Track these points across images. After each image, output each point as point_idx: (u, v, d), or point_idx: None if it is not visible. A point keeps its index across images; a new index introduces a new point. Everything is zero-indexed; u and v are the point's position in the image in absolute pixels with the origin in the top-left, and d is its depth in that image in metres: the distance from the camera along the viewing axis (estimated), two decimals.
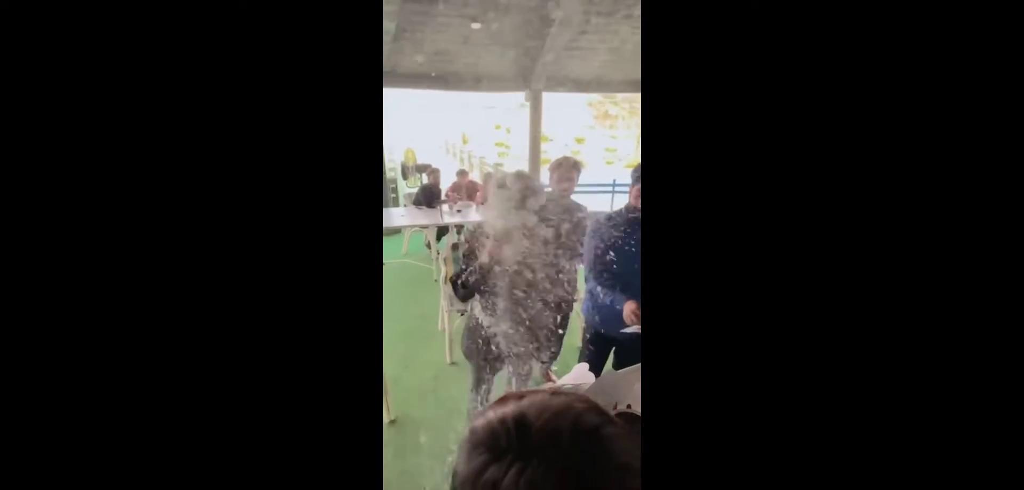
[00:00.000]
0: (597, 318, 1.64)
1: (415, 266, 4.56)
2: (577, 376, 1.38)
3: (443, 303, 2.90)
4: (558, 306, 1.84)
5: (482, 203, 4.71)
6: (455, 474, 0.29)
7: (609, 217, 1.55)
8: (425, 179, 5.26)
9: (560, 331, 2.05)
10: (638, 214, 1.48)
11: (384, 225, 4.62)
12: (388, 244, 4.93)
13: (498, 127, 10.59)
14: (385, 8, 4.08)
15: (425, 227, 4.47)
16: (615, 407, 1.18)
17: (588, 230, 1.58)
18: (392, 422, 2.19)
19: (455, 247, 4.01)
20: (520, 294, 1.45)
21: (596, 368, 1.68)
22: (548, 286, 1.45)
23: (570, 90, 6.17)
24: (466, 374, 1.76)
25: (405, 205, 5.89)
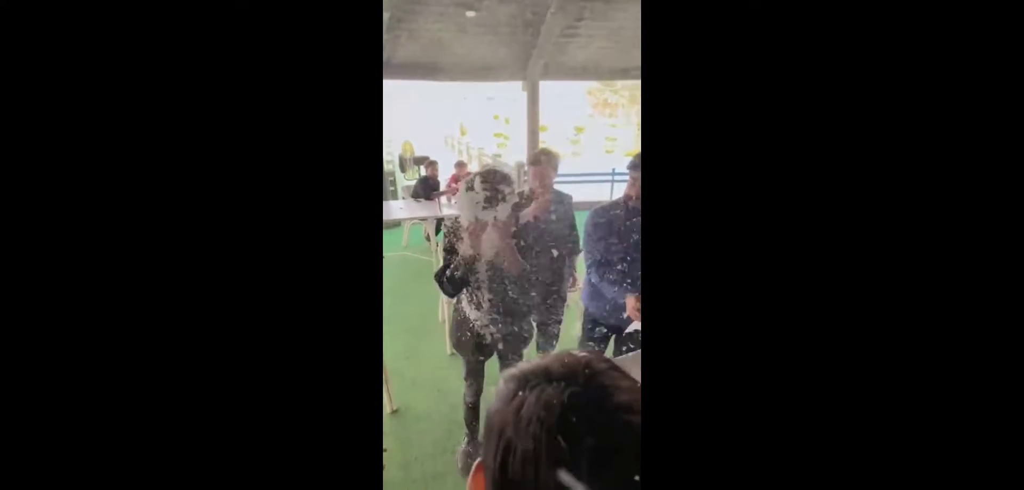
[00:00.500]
0: (595, 307, 1.65)
1: (415, 259, 4.56)
2: None
3: (443, 295, 2.91)
4: (546, 297, 1.84)
5: None
6: (489, 412, 0.34)
7: (607, 207, 1.55)
8: (423, 171, 5.23)
9: (553, 321, 2.06)
10: (637, 203, 1.48)
11: (384, 218, 4.63)
12: (388, 237, 4.92)
13: (496, 118, 10.52)
14: None
15: (424, 220, 4.47)
16: None
17: (587, 219, 1.58)
18: (394, 412, 2.20)
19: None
20: (503, 287, 1.46)
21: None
22: (533, 278, 1.47)
23: (568, 78, 6.12)
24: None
25: (403, 197, 5.87)
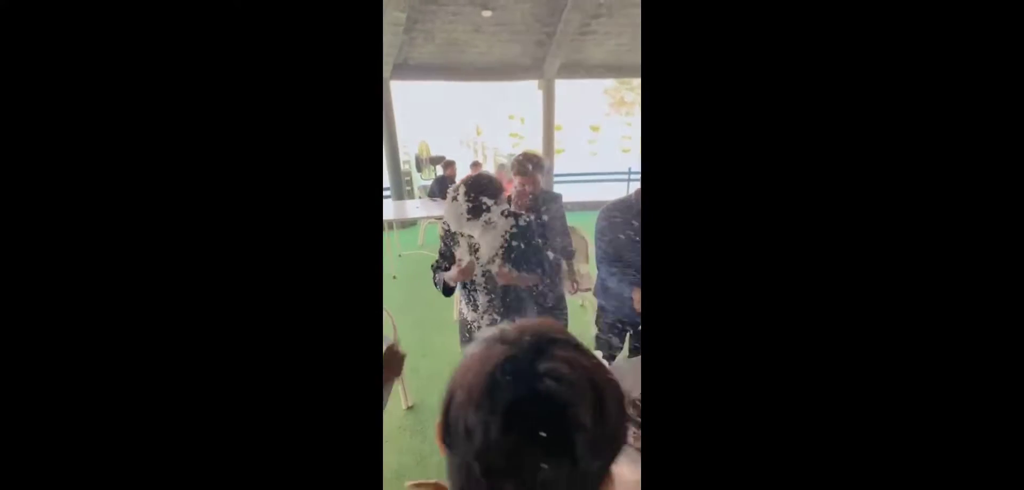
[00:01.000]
0: (608, 302, 1.65)
1: (431, 257, 4.59)
2: None
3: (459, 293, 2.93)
4: (544, 302, 1.83)
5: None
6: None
7: (617, 203, 1.55)
8: (440, 171, 5.28)
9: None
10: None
11: (399, 217, 4.69)
12: (404, 236, 4.99)
13: (512, 117, 10.51)
14: None
15: (440, 219, 4.51)
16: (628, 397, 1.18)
17: (597, 218, 1.58)
18: (410, 408, 2.23)
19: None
20: (497, 290, 1.47)
21: (612, 351, 1.69)
22: (527, 279, 1.46)
23: (584, 76, 6.06)
24: None
25: (420, 197, 5.93)
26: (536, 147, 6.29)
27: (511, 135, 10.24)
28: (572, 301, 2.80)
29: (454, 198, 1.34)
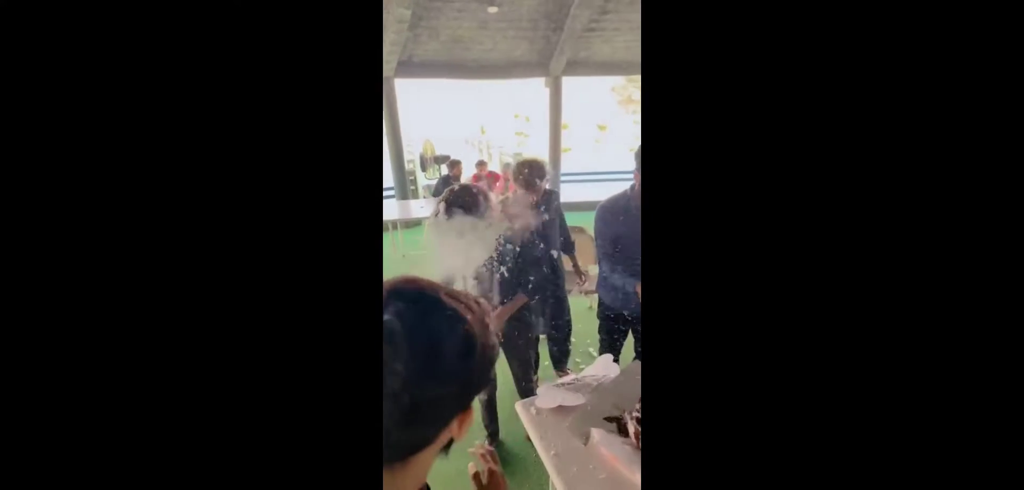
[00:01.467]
0: (609, 297, 1.67)
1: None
2: (601, 367, 1.38)
3: None
4: (543, 306, 1.82)
5: (502, 193, 4.71)
6: None
7: (615, 198, 1.55)
8: (445, 170, 5.29)
9: (559, 326, 2.02)
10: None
11: (404, 217, 4.69)
12: (409, 236, 5.00)
13: (517, 116, 10.49)
14: None
15: None
16: (627, 411, 1.16)
17: (596, 213, 1.57)
18: None
19: None
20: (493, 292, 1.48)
21: (614, 347, 1.69)
22: (523, 279, 1.46)
23: (591, 74, 6.04)
24: None
25: (424, 197, 5.95)
26: (543, 145, 6.27)
27: (517, 134, 10.23)
28: (581, 302, 2.78)
29: (436, 214, 1.33)
